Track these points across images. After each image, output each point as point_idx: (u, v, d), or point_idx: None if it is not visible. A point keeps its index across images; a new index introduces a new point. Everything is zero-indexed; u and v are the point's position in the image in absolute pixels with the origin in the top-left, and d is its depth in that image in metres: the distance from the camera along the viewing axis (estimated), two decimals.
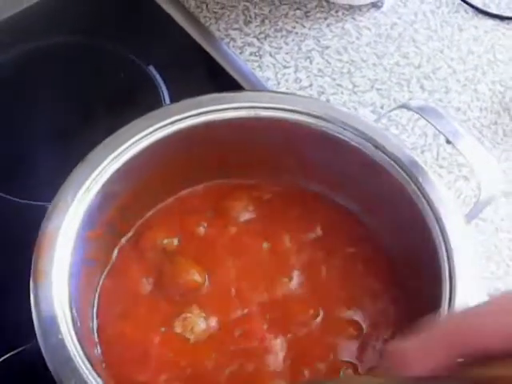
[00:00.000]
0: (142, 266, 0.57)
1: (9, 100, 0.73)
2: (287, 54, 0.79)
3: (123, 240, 0.58)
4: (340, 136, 0.55)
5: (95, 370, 0.45)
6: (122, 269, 0.57)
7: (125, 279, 0.56)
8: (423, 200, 0.52)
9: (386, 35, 0.82)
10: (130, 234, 0.58)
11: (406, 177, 0.53)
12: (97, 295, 0.55)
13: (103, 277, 0.56)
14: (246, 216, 0.59)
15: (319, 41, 0.81)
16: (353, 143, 0.55)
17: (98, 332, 0.54)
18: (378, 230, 0.58)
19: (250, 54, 0.79)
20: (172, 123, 0.55)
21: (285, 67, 0.78)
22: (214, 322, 0.54)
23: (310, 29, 0.81)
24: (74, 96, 0.73)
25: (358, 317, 0.55)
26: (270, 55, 0.79)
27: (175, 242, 0.57)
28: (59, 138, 0.70)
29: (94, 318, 0.54)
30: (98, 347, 0.53)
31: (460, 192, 0.71)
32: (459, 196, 0.70)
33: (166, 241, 0.57)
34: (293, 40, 0.80)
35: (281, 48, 0.80)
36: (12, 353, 0.49)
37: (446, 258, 0.50)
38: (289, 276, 0.56)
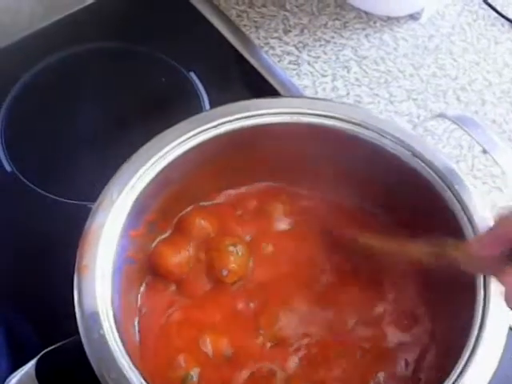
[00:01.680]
0: None
1: (53, 104, 0.74)
2: (325, 63, 0.80)
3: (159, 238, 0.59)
4: (378, 143, 0.56)
5: (134, 365, 0.46)
6: None
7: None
8: (459, 207, 0.53)
9: (423, 47, 0.83)
10: (166, 234, 0.59)
11: (443, 184, 0.54)
12: (139, 295, 0.57)
13: (145, 279, 0.58)
14: (284, 219, 0.60)
15: (357, 51, 0.82)
16: (391, 150, 0.56)
17: (139, 330, 0.55)
18: (414, 238, 0.58)
19: (289, 62, 0.80)
20: (214, 127, 0.56)
21: (322, 76, 0.79)
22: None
23: (348, 39, 0.83)
24: (117, 100, 0.75)
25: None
26: (309, 64, 0.80)
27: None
28: (101, 141, 0.72)
29: (137, 317, 0.56)
30: (138, 342, 0.54)
31: (494, 203, 0.71)
32: (493, 207, 0.71)
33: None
34: (331, 49, 0.81)
35: (319, 57, 0.81)
36: (54, 346, 0.50)
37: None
38: (320, 279, 0.58)
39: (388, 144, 0.56)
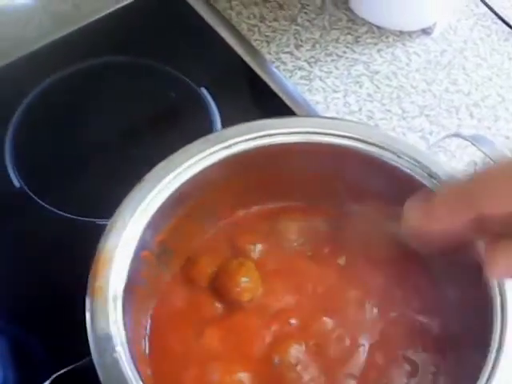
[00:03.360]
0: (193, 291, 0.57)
1: (60, 119, 0.74)
2: (337, 78, 0.80)
3: (177, 263, 0.58)
4: (393, 163, 0.55)
5: None
6: (174, 293, 0.57)
7: (176, 303, 0.57)
8: None
9: (435, 62, 0.82)
10: (183, 257, 0.59)
11: None
12: (149, 317, 0.56)
13: (156, 299, 0.57)
14: (298, 238, 0.59)
15: (369, 66, 0.81)
16: (406, 170, 0.55)
17: (149, 354, 0.54)
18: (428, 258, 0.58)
19: (301, 77, 0.79)
20: (226, 148, 0.55)
21: (334, 91, 0.79)
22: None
23: (360, 54, 0.82)
24: (127, 115, 0.74)
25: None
26: (320, 79, 0.79)
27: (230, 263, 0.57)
28: (111, 156, 0.71)
29: (147, 341, 0.55)
30: (149, 369, 0.53)
31: None
32: None
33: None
34: (343, 65, 0.81)
35: (331, 72, 0.80)
36: (66, 369, 0.49)
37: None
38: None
39: (404, 164, 0.55)
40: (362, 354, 0.54)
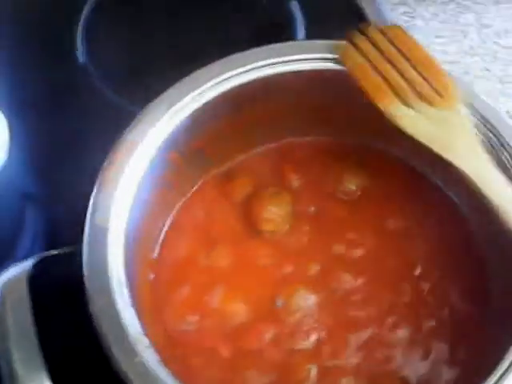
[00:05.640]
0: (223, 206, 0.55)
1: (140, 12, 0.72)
2: (442, 23, 0.74)
3: (210, 174, 0.56)
4: None
5: (130, 292, 0.43)
6: (201, 204, 0.55)
7: (198, 213, 0.55)
8: None
9: None
10: (217, 171, 0.56)
11: None
12: (167, 222, 0.54)
13: (177, 207, 0.55)
14: (346, 184, 0.56)
15: (480, 17, 0.75)
16: None
17: (157, 258, 0.53)
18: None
19: (403, 13, 0.74)
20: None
21: (435, 36, 0.73)
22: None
23: (473, 2, 0.76)
24: (206, 19, 0.72)
25: None
26: (423, 19, 0.74)
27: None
28: (183, 54, 0.69)
29: (158, 245, 0.53)
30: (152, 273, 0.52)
31: None
32: None
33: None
34: (452, 10, 0.75)
35: (437, 15, 0.75)
36: (53, 252, 0.47)
37: None
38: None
39: None
40: (374, 323, 0.51)
